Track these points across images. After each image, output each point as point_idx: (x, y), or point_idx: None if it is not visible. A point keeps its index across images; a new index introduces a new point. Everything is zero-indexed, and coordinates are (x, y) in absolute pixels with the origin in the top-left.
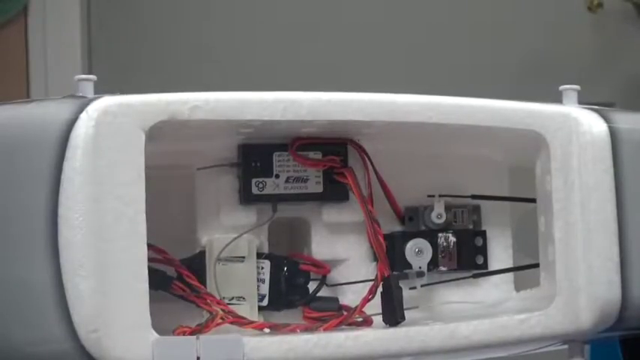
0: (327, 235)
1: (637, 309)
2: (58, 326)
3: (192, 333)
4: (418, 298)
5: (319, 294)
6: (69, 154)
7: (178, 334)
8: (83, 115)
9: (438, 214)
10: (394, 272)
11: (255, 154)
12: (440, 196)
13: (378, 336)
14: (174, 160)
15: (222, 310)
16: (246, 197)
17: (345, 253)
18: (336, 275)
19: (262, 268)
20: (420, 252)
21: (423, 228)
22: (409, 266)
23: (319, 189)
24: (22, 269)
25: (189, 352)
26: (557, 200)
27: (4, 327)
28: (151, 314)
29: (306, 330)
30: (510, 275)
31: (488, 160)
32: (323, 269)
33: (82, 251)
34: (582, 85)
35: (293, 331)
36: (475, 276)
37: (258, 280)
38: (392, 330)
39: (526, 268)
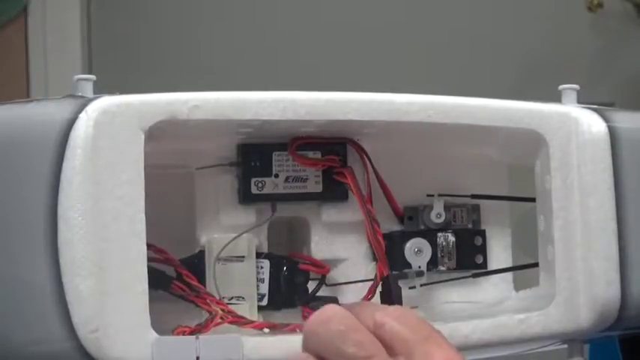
0: (326, 235)
1: (636, 308)
2: (58, 326)
3: (191, 333)
4: (417, 298)
5: (319, 294)
6: (68, 153)
7: (178, 334)
8: (82, 115)
9: (437, 214)
10: (393, 272)
11: (255, 154)
12: (439, 195)
13: None
14: (174, 160)
15: (222, 310)
16: (246, 197)
17: (344, 252)
18: (335, 275)
19: (262, 267)
20: (419, 251)
21: (423, 227)
22: (408, 266)
23: (319, 189)
24: (21, 269)
25: (188, 352)
26: (557, 200)
27: (4, 327)
28: (151, 314)
29: None
30: (510, 275)
31: (487, 160)
32: (322, 269)
33: (82, 251)
34: (582, 85)
35: (293, 330)
36: (474, 275)
37: (257, 280)
38: None
39: (525, 268)
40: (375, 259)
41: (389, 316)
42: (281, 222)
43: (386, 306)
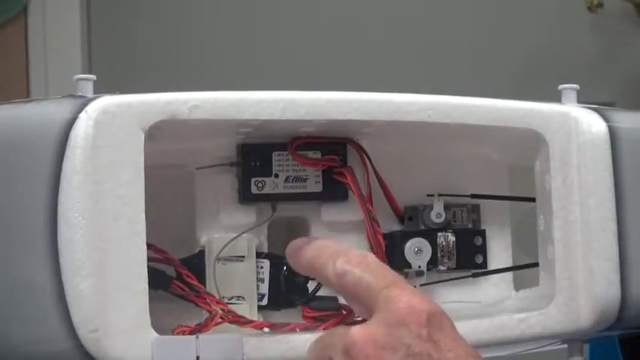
0: (326, 235)
1: (636, 308)
2: (58, 326)
3: (191, 332)
4: None
5: (318, 293)
6: (68, 153)
7: (178, 334)
8: (82, 115)
9: (437, 214)
10: None
11: (255, 154)
12: (439, 195)
13: None
14: (174, 160)
15: (222, 310)
16: (246, 197)
17: None
18: None
19: (262, 267)
20: (419, 251)
21: (423, 227)
22: (408, 266)
23: (318, 188)
24: (21, 269)
25: (188, 352)
26: (557, 199)
27: (4, 326)
28: (151, 314)
29: (306, 329)
30: (510, 274)
31: (487, 160)
32: None
33: (82, 251)
34: (582, 85)
35: (292, 330)
36: (474, 275)
37: (257, 280)
38: None
39: (525, 268)
40: None
41: (350, 264)
42: (281, 222)
43: (345, 249)
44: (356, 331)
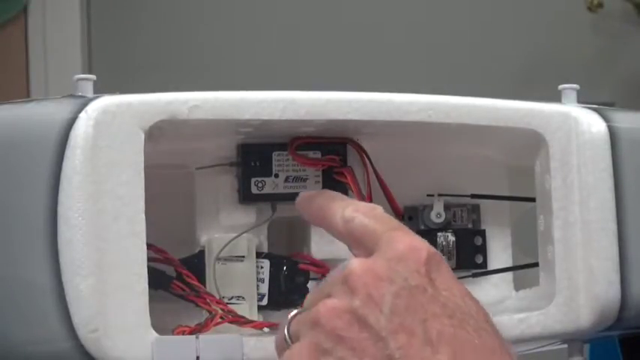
0: (326, 235)
1: (636, 308)
2: (58, 326)
3: (191, 332)
4: None
5: None
6: (68, 153)
7: (178, 334)
8: (82, 115)
9: (437, 214)
10: None
11: (255, 154)
12: (439, 195)
13: None
14: (174, 160)
15: (222, 310)
16: (246, 197)
17: (344, 252)
18: None
19: (262, 267)
20: None
21: (423, 227)
22: None
23: (319, 188)
24: (21, 269)
25: (188, 352)
26: (557, 199)
27: (4, 326)
28: (151, 314)
29: None
30: (510, 274)
31: (487, 160)
32: (322, 269)
33: (82, 251)
34: (582, 85)
35: None
36: (474, 275)
37: (257, 280)
38: None
39: (525, 268)
40: None
41: (358, 211)
42: (281, 222)
43: (354, 200)
44: (355, 262)
